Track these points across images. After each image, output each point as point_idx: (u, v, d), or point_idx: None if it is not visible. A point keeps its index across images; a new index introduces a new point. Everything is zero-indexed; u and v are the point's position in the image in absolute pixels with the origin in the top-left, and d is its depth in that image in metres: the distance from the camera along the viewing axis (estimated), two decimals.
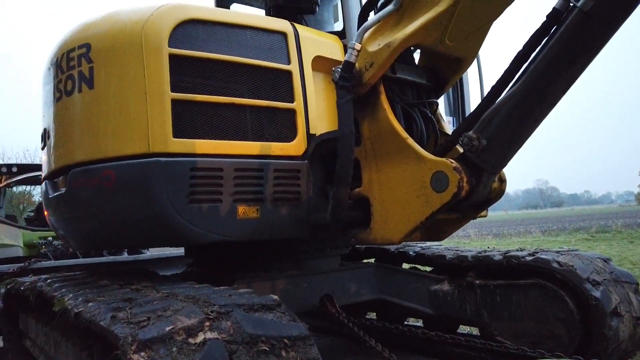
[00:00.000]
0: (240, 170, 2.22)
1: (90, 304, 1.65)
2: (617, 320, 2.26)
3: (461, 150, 2.01)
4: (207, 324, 1.35)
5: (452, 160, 1.91)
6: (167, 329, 1.30)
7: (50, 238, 8.29)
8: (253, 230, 2.25)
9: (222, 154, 2.18)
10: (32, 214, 9.17)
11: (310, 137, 2.43)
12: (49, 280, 2.27)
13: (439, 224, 2.22)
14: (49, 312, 2.49)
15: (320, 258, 2.86)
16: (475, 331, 3.26)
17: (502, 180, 2.15)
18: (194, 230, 2.11)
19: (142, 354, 1.21)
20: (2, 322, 3.39)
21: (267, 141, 2.31)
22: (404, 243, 3.65)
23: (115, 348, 1.28)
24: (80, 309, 1.66)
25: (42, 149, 2.63)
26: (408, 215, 1.97)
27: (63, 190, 2.28)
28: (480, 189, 1.94)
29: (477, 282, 2.77)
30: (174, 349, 1.25)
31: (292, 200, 2.36)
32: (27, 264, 4.52)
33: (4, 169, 8.27)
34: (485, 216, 2.49)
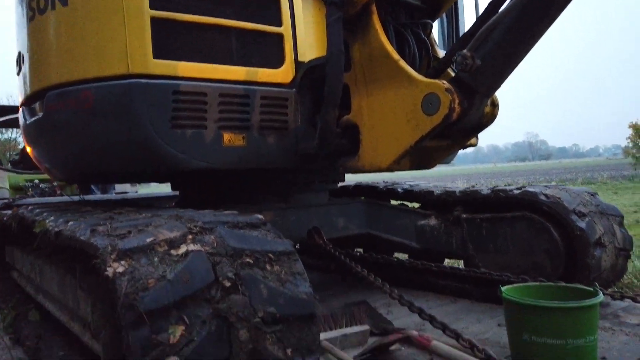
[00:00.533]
0: (225, 96, 2.14)
1: (71, 222, 1.62)
2: (600, 251, 2.29)
3: (453, 74, 1.94)
4: (190, 237, 1.33)
5: (445, 82, 1.84)
6: (148, 240, 1.27)
7: (36, 180, 8.20)
8: (239, 159, 2.20)
9: (206, 78, 2.09)
10: (17, 156, 9.02)
11: (298, 64, 2.33)
12: (30, 208, 2.23)
13: (429, 151, 2.18)
14: (32, 239, 2.47)
15: (308, 192, 2.84)
16: (460, 265, 3.32)
17: (495, 105, 2.10)
18: (178, 156, 2.05)
19: (122, 262, 1.19)
20: None
21: (253, 66, 2.21)
22: (392, 181, 3.65)
23: (95, 258, 1.25)
24: (60, 228, 1.62)
25: (18, 74, 2.51)
26: (397, 140, 1.92)
27: (40, 115, 2.19)
28: (472, 112, 1.89)
29: (464, 216, 2.79)
30: (155, 259, 1.23)
31: (280, 129, 2.30)
32: (11, 200, 4.47)
33: None
34: (475, 145, 2.46)
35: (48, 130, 2.22)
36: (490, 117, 2.10)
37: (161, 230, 1.34)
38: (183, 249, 1.28)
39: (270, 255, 1.38)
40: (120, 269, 1.17)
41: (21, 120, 2.49)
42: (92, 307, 1.59)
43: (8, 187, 7.67)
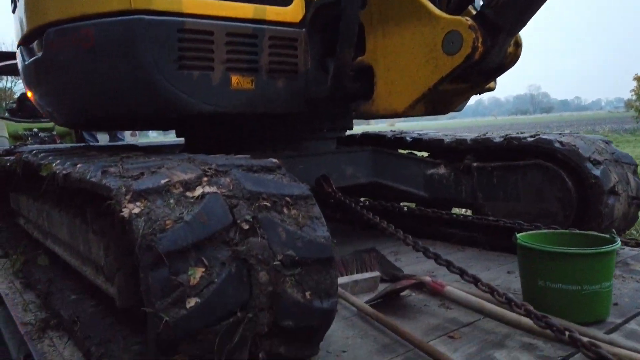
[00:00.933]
0: (232, 35, 2.04)
1: (79, 165, 1.57)
2: (613, 199, 2.27)
3: (474, 11, 1.84)
4: (205, 179, 1.28)
5: (468, 19, 1.74)
6: (163, 181, 1.23)
7: (35, 129, 8.10)
8: (247, 103, 2.12)
9: (212, 16, 1.98)
10: (14, 105, 8.85)
11: (307, 2, 2.21)
12: (34, 152, 2.17)
13: (446, 95, 2.10)
14: (37, 184, 2.43)
15: (316, 140, 2.78)
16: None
17: (518, 45, 2.00)
18: (184, 99, 1.98)
19: (138, 203, 1.15)
20: None
21: (261, 4, 2.09)
22: (400, 129, 3.59)
23: (109, 200, 1.21)
24: (68, 171, 1.58)
25: (13, 11, 2.38)
26: (415, 82, 1.84)
27: (39, 54, 2.09)
28: (495, 51, 1.80)
29: (475, 164, 2.74)
30: (171, 201, 1.19)
31: (289, 71, 2.21)
32: (12, 147, 4.41)
33: None
34: (493, 89, 2.37)
35: (48, 71, 2.13)
36: (513, 58, 2.00)
37: (175, 172, 1.30)
38: (199, 191, 1.24)
39: (287, 198, 1.34)
40: (136, 210, 1.13)
41: (19, 62, 2.39)
42: (105, 250, 1.57)
43: (7, 136, 7.58)
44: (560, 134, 2.60)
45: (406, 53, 1.86)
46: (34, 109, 8.64)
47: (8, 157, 2.79)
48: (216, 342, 1.11)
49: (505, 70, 2.01)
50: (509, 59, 1.97)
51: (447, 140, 2.94)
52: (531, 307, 1.23)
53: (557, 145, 2.39)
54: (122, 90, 1.97)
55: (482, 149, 2.75)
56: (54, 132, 8.22)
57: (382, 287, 2.12)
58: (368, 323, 1.77)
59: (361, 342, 1.63)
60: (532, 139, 2.51)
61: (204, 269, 1.12)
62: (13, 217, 3.28)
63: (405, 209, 2.82)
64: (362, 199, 3.69)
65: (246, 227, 1.21)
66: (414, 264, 2.53)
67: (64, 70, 2.05)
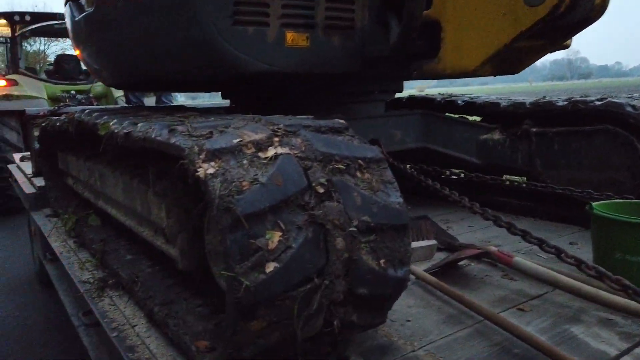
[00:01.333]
0: None
1: (140, 124, 1.53)
2: None
3: None
4: (276, 139, 1.22)
5: None
6: (235, 141, 1.17)
7: (73, 91, 8.20)
8: (302, 61, 2.03)
9: None
10: (52, 67, 8.96)
11: None
12: (87, 111, 2.15)
13: (519, 53, 1.95)
14: (90, 144, 2.43)
15: (366, 102, 2.68)
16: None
17: None
18: (239, 57, 1.90)
19: (212, 163, 1.10)
20: (41, 162, 3.41)
21: None
22: (449, 92, 3.43)
23: (179, 159, 1.16)
24: (129, 130, 1.54)
25: None
26: (489, 38, 1.70)
27: (90, 10, 2.03)
28: (583, 2, 1.64)
29: (534, 130, 2.60)
30: (245, 161, 1.14)
31: (345, 28, 2.09)
32: (56, 107, 4.46)
33: (17, 17, 7.88)
34: (569, 46, 2.20)
35: (98, 27, 2.07)
36: (600, 10, 1.82)
37: (244, 131, 1.24)
38: (271, 151, 1.18)
39: (360, 161, 1.27)
40: (211, 170, 1.08)
41: (68, 19, 2.35)
42: (167, 212, 1.54)
43: (46, 97, 7.70)
44: (630, 97, 2.42)
45: (480, 4, 1.71)
46: (70, 71, 8.75)
47: (56, 117, 2.79)
48: (295, 308, 1.07)
49: (590, 24, 1.84)
50: (596, 11, 1.80)
51: (504, 104, 2.80)
52: (628, 282, 1.15)
53: (629, 109, 2.23)
54: (176, 47, 1.90)
55: (542, 114, 2.60)
56: (91, 94, 8.32)
57: (437, 256, 2.06)
58: (428, 292, 1.72)
59: (424, 311, 1.59)
60: (601, 102, 2.34)
61: (281, 233, 1.07)
62: (61, 177, 3.32)
63: (462, 174, 2.70)
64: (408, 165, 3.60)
65: (321, 190, 1.15)
66: (466, 232, 2.46)
67: (116, 26, 1.99)
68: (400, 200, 1.26)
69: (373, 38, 2.12)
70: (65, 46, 31.51)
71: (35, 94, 7.52)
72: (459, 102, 3.07)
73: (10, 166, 4.97)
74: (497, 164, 2.78)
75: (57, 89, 8.09)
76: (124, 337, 1.53)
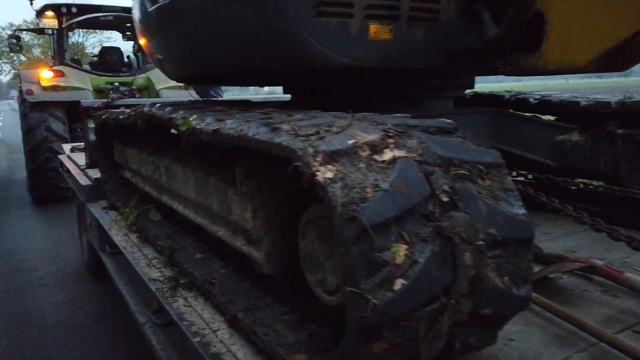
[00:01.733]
0: None
1: (229, 120, 1.45)
2: None
3: None
4: (391, 141, 1.11)
5: None
6: (350, 142, 1.07)
7: (116, 83, 8.30)
8: (384, 55, 1.92)
9: None
10: (96, 59, 9.09)
11: None
12: (157, 105, 2.09)
13: (637, 48, 1.77)
14: (158, 139, 2.38)
15: (436, 99, 2.54)
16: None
17: None
18: (319, 50, 1.80)
19: (330, 166, 1.00)
20: (97, 154, 3.41)
21: None
22: (518, 90, 3.25)
23: (287, 160, 1.07)
24: (216, 126, 1.46)
25: None
26: (606, 30, 1.54)
27: (166, 1, 1.97)
28: None
29: (620, 131, 2.41)
30: (361, 165, 1.03)
31: (430, 20, 1.97)
32: (110, 100, 4.48)
33: (64, 9, 8.00)
34: None
35: (172, 18, 2.01)
36: None
37: (355, 131, 1.13)
38: (388, 154, 1.07)
39: (480, 167, 1.15)
40: (329, 175, 0.99)
41: (137, 9, 2.29)
42: (254, 213, 1.46)
43: (91, 89, 7.82)
44: None
45: None
46: (114, 63, 8.86)
47: (117, 111, 2.77)
48: (420, 329, 0.96)
49: None
50: None
51: (584, 102, 2.61)
52: None
53: None
54: (256, 38, 1.81)
55: (630, 114, 2.41)
56: (134, 87, 8.41)
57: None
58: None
59: (527, 330, 1.46)
60: None
61: (406, 246, 0.96)
62: (117, 170, 3.31)
63: (530, 176, 2.55)
64: None
65: (445, 199, 1.04)
66: (545, 241, 2.30)
67: (191, 17, 1.92)
68: (524, 210, 1.14)
69: (459, 30, 1.99)
70: (102, 38, 32.27)
71: (81, 86, 7.64)
72: (531, 100, 2.89)
73: (60, 157, 5.04)
74: (575, 166, 2.60)
75: (101, 80, 8.20)
76: (207, 342, 1.46)
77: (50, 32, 8.60)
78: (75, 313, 3.80)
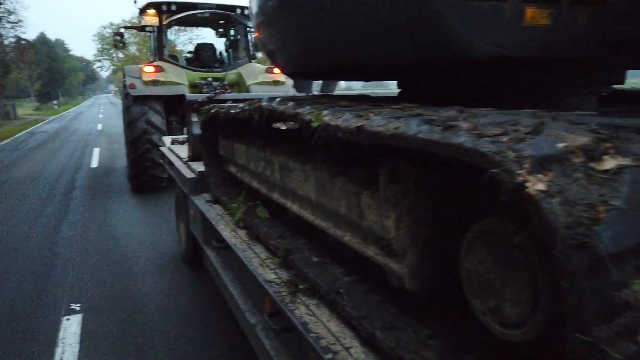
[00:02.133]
0: None
1: (375, 117, 1.29)
2: None
3: None
4: (607, 145, 0.89)
5: None
6: (561, 145, 0.86)
7: (210, 79, 8.58)
8: (539, 44, 1.66)
9: None
10: (191, 55, 9.46)
11: None
12: (277, 99, 1.99)
13: None
14: (272, 135, 2.29)
15: (579, 95, 2.22)
16: None
17: None
18: (467, 39, 1.58)
19: (540, 176, 0.80)
20: (202, 147, 3.43)
21: None
22: None
23: (475, 165, 0.88)
24: (360, 123, 1.31)
25: None
26: None
27: None
28: None
29: None
30: (578, 175, 0.82)
31: (596, 2, 1.68)
32: (214, 94, 4.56)
33: (164, 7, 8.37)
34: None
35: (296, 8, 1.89)
36: None
37: (556, 131, 0.92)
38: (609, 162, 0.85)
39: None
40: (541, 186, 0.79)
41: (255, 1, 2.21)
42: (397, 221, 1.29)
43: (187, 84, 8.12)
44: None
45: None
46: (208, 59, 9.17)
47: (226, 105, 2.73)
48: None
49: None
50: None
51: None
52: None
53: None
54: (395, 26, 1.64)
55: None
56: (225, 82, 8.64)
57: None
58: None
59: None
60: None
61: None
62: (221, 164, 3.31)
63: None
64: None
65: None
66: None
67: (319, 5, 1.79)
68: None
69: (629, 16, 1.68)
70: (192, 36, 34.03)
71: (179, 81, 7.95)
72: None
73: (162, 149, 5.23)
74: None
75: (196, 75, 8.51)
76: None
77: (150, 29, 9.07)
78: (174, 302, 3.89)
